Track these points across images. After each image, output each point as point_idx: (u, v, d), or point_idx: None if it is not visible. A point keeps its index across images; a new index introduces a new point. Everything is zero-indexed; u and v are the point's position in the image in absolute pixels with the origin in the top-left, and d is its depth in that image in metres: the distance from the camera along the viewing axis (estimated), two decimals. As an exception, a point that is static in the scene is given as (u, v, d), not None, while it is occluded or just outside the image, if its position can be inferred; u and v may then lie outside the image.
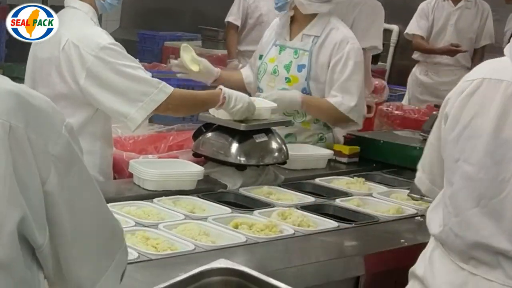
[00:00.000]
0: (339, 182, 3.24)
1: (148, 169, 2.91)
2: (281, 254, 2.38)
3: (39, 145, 1.31)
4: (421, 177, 2.23)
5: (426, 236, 2.70)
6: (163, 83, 2.88)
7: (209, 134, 3.09)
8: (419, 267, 2.06)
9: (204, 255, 2.27)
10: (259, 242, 2.45)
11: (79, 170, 1.41)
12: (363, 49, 4.28)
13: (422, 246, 2.63)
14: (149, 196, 2.81)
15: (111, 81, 2.82)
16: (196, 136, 3.15)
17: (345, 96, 3.47)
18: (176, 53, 6.50)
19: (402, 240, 2.60)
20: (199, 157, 3.12)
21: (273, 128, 3.20)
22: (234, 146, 3.01)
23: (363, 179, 3.26)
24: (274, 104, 3.21)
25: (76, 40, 2.83)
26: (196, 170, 2.99)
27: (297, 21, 3.59)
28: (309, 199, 2.96)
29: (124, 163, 3.15)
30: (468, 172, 1.91)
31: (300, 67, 3.54)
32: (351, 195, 3.05)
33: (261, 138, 3.08)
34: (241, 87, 3.67)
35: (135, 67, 2.86)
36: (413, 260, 2.58)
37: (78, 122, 2.90)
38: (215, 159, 3.05)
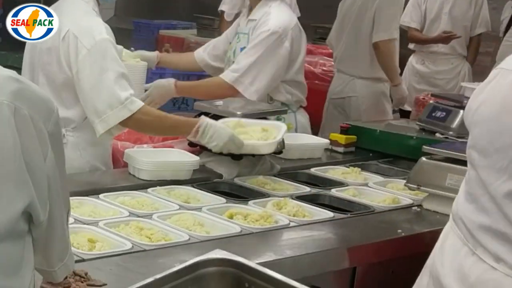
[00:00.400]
0: (335, 172, 3.22)
1: (143, 159, 2.89)
2: (276, 245, 2.36)
3: (39, 124, 1.39)
4: None
5: (423, 226, 2.70)
6: (131, 99, 2.77)
7: (205, 124, 3.06)
8: (430, 257, 2.06)
9: (198, 246, 2.25)
10: (254, 232, 2.43)
11: (61, 143, 1.51)
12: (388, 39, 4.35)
13: (419, 236, 2.63)
14: (144, 186, 2.80)
15: (89, 85, 2.79)
16: (191, 125, 3.13)
17: (234, 67, 3.53)
18: (171, 42, 6.48)
19: (399, 230, 2.59)
20: (194, 147, 3.10)
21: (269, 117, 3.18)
22: (230, 136, 2.98)
23: (359, 169, 3.25)
24: (275, 140, 2.94)
25: (76, 31, 2.80)
26: (191, 159, 2.97)
27: (251, 9, 3.70)
28: (305, 189, 2.95)
29: (119, 152, 3.13)
30: (475, 159, 1.92)
31: (242, 50, 3.62)
32: (347, 185, 3.04)
33: (257, 128, 3.06)
34: (192, 69, 3.85)
35: (117, 73, 2.79)
36: (409, 250, 2.57)
37: (80, 114, 2.90)
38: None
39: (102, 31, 2.82)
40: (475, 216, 1.90)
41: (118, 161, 3.14)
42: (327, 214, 2.66)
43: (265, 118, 3.14)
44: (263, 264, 1.85)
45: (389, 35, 4.43)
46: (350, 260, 2.45)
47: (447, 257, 1.97)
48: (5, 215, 1.36)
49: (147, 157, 2.91)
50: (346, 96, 4.62)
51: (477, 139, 1.92)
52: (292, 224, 2.54)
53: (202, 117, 2.89)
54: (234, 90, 3.50)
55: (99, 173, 2.99)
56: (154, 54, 3.76)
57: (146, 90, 3.49)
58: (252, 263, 1.68)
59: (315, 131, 4.20)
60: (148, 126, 2.86)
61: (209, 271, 1.66)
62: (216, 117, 3.05)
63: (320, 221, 2.61)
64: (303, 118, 3.81)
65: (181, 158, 2.99)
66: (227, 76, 3.53)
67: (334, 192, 2.94)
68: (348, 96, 4.60)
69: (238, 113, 3.02)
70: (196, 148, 3.09)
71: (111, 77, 2.78)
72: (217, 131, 2.82)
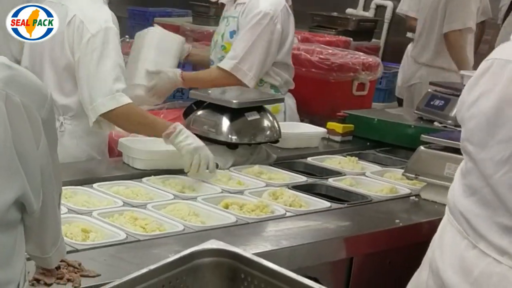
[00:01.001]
0: (332, 161, 3.20)
1: (137, 148, 2.87)
2: (272, 235, 2.34)
3: (32, 111, 1.37)
4: None
5: (421, 216, 2.68)
6: (121, 93, 2.77)
7: (200, 112, 3.05)
8: (429, 250, 2.04)
9: (193, 236, 2.23)
10: (250, 222, 2.41)
11: (54, 128, 1.51)
12: (459, 30, 4.42)
13: (416, 226, 2.61)
14: (139, 175, 2.77)
15: (87, 70, 2.79)
16: (187, 114, 3.11)
17: (232, 54, 3.52)
18: (166, 29, 6.43)
19: (397, 220, 2.57)
20: (189, 136, 3.07)
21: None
22: (226, 124, 2.97)
23: (356, 158, 3.22)
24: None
25: (83, 17, 2.82)
26: (186, 148, 2.93)
27: None
28: (301, 179, 2.92)
29: (114, 141, 3.11)
30: (471, 152, 1.89)
31: (231, 33, 3.61)
32: (344, 175, 3.01)
33: (253, 116, 3.04)
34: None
35: (115, 63, 2.79)
36: (407, 240, 2.55)
37: (79, 102, 2.87)
38: (206, 138, 3.00)
39: (109, 20, 2.84)
40: (476, 209, 1.88)
41: (112, 150, 3.12)
42: (324, 204, 2.64)
43: (261, 108, 3.11)
44: (259, 254, 1.83)
45: (461, 25, 4.49)
46: (347, 250, 2.43)
47: (447, 251, 1.95)
48: None
49: (141, 146, 2.88)
50: (413, 83, 4.75)
51: (473, 131, 1.89)
52: (288, 214, 2.52)
53: (178, 123, 2.85)
54: (234, 77, 3.49)
55: (93, 162, 2.97)
56: (186, 46, 3.74)
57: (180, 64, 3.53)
58: (248, 254, 1.66)
59: (312, 119, 4.17)
60: (131, 120, 2.82)
61: (204, 261, 1.65)
62: (211, 105, 3.03)
63: (317, 211, 2.58)
64: (291, 101, 3.79)
65: (176, 147, 2.96)
66: (226, 64, 3.51)
67: (331, 181, 2.91)
68: (414, 83, 4.72)
69: (234, 101, 2.99)
70: (192, 137, 3.07)
71: (108, 65, 2.78)
72: (193, 136, 2.78)
